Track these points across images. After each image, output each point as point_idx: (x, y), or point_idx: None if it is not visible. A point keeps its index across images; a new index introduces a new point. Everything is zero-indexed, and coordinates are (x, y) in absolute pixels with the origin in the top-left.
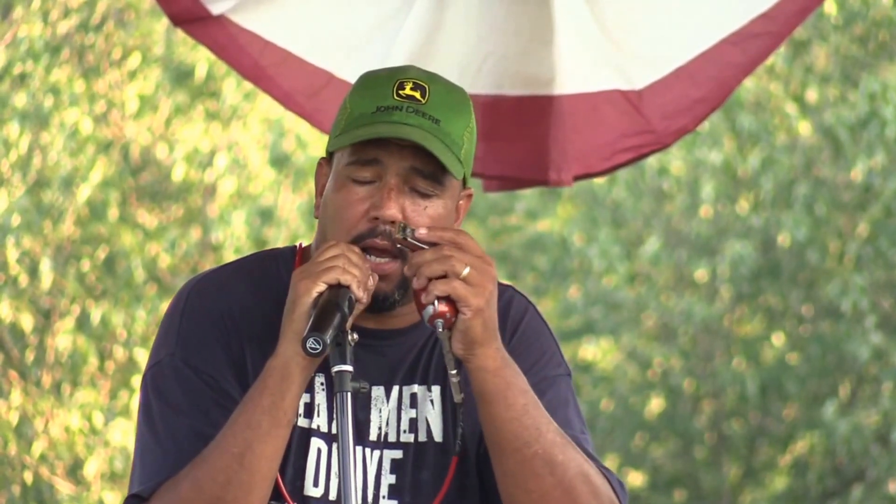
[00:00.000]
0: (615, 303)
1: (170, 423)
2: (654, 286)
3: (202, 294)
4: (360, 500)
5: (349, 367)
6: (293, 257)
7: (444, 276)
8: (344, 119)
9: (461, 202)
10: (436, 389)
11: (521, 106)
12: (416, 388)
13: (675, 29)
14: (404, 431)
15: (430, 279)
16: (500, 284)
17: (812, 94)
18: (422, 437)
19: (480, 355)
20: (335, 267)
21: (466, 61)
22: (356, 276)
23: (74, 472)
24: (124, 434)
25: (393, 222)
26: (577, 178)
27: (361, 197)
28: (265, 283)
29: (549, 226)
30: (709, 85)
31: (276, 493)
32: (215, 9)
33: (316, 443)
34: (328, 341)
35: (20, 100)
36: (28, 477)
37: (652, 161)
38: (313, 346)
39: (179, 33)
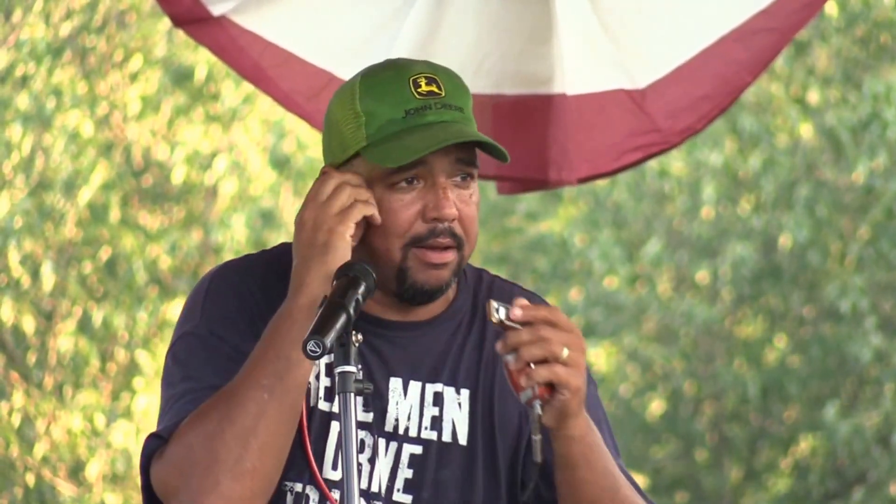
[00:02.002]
0: (616, 304)
1: (192, 383)
2: (655, 288)
3: (226, 275)
4: (362, 493)
5: (352, 368)
6: None
7: (544, 360)
8: (364, 126)
9: None
10: (465, 393)
11: (519, 105)
12: (441, 387)
13: (676, 27)
14: (426, 428)
15: (529, 362)
16: (517, 287)
17: (813, 96)
18: (446, 438)
19: (571, 426)
20: (356, 203)
21: (465, 61)
22: (372, 201)
23: (76, 473)
24: (126, 436)
25: (452, 221)
26: (586, 179)
27: (409, 201)
28: (284, 270)
29: (550, 227)
30: (712, 83)
31: (309, 475)
32: (216, 10)
33: (336, 426)
34: (328, 345)
35: (22, 102)
36: (30, 479)
37: (653, 163)
38: (313, 349)
39: (180, 35)
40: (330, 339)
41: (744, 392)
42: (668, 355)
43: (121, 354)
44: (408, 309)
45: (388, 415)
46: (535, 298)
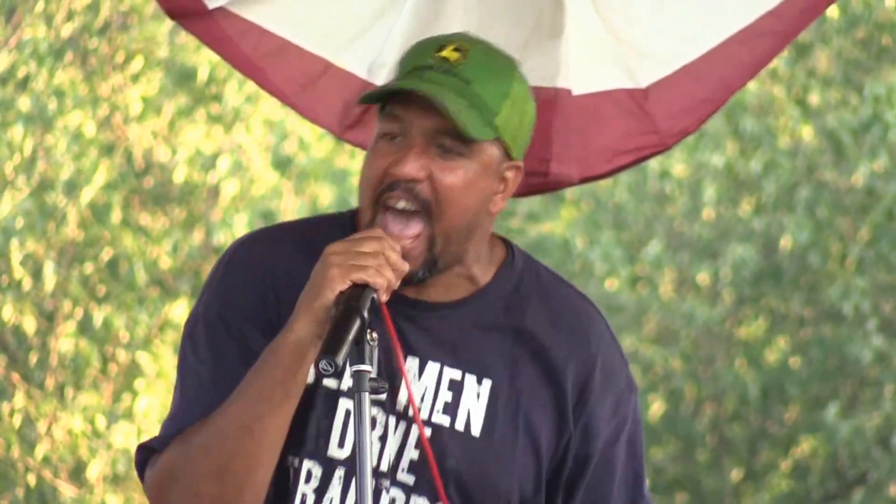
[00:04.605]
0: (617, 306)
1: (194, 375)
2: (656, 289)
3: (249, 248)
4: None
5: (368, 367)
6: (352, 223)
7: None
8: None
9: (508, 173)
10: (487, 383)
11: None
12: (461, 374)
13: (681, 26)
14: (437, 412)
15: None
16: (571, 287)
17: (814, 98)
18: (459, 426)
19: None
20: (369, 267)
21: None
22: (389, 279)
23: (77, 474)
24: (127, 437)
25: (412, 180)
26: (580, 181)
27: (385, 153)
28: (317, 249)
29: (552, 229)
30: (715, 85)
31: (312, 450)
32: (212, 2)
33: (345, 403)
34: (340, 364)
35: (24, 103)
36: (31, 479)
37: (654, 164)
38: (325, 368)
39: (182, 37)
40: (342, 356)
41: (744, 393)
42: (668, 356)
43: (121, 355)
44: (421, 286)
45: (400, 394)
46: (586, 303)
